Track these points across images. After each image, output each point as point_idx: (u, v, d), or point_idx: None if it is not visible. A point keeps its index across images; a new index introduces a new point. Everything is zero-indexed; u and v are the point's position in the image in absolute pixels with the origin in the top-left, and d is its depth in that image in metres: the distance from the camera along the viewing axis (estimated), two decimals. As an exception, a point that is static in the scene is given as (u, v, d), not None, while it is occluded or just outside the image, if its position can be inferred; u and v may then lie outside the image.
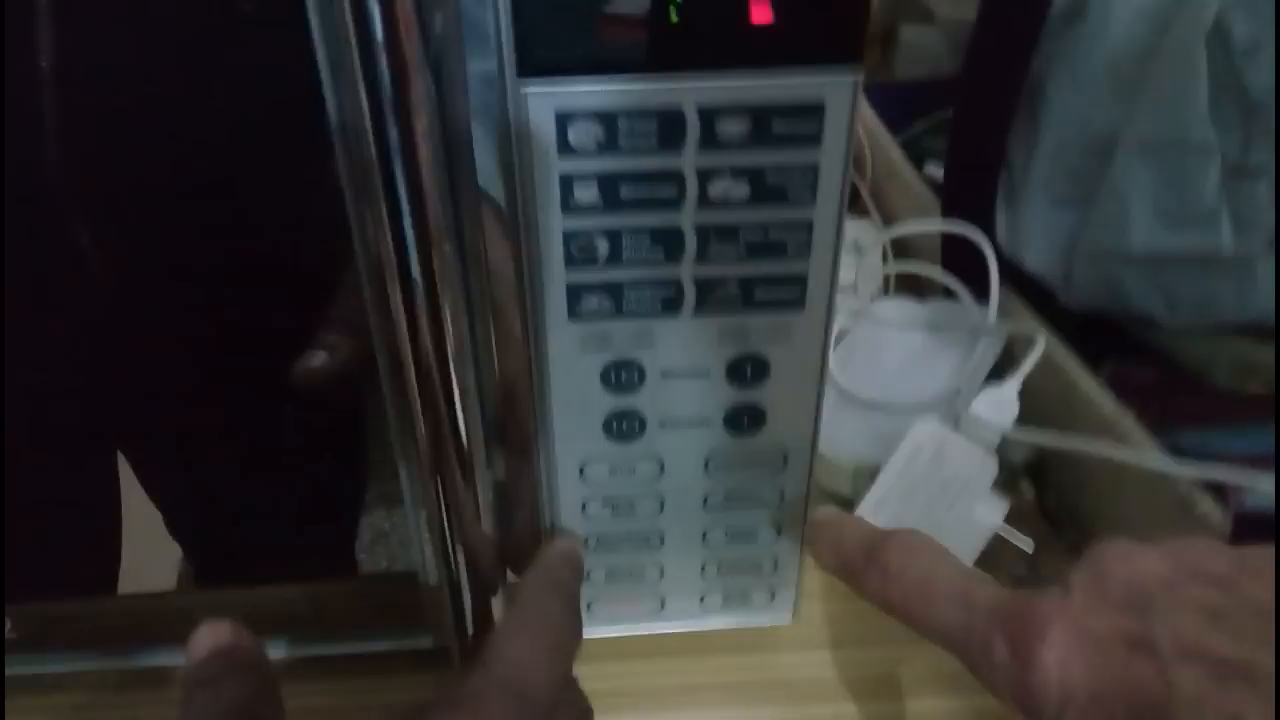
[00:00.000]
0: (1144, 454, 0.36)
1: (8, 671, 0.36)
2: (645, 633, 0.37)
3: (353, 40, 0.22)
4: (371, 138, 0.23)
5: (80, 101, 0.26)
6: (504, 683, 0.25)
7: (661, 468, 0.33)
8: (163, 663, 0.37)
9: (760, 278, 0.29)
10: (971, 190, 0.47)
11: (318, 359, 0.29)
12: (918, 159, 0.64)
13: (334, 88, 0.24)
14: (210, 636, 0.27)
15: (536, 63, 0.25)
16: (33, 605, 0.35)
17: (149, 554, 0.37)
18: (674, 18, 0.24)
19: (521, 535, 0.34)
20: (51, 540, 0.36)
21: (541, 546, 0.33)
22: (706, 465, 0.33)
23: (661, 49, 0.25)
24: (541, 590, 0.30)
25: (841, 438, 0.46)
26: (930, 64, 0.71)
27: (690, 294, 0.29)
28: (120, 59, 0.26)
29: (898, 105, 0.69)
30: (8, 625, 0.35)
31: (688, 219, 0.28)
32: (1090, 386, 0.41)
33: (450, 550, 0.31)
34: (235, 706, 0.25)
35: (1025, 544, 0.42)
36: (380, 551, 0.36)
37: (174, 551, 0.37)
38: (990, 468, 0.40)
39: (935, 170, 0.62)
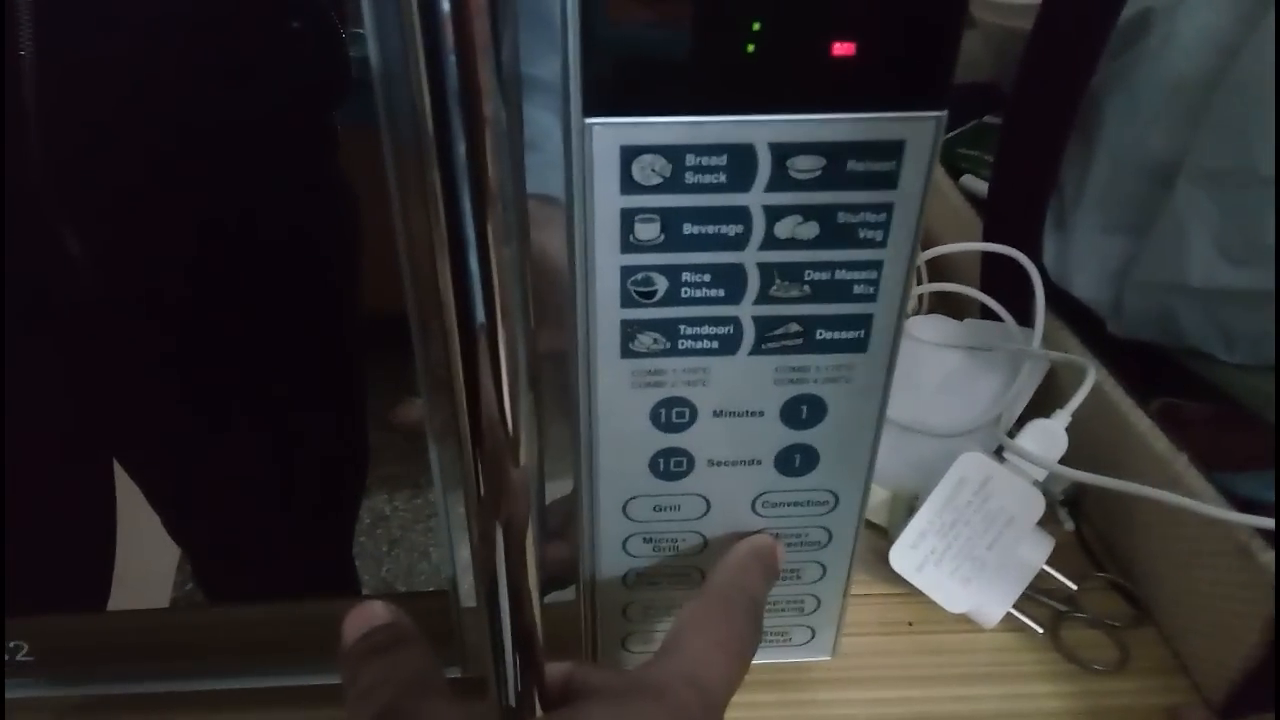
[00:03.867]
0: (1201, 502, 0.35)
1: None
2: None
3: (421, 53, 0.20)
4: (437, 164, 0.22)
5: (63, 97, 0.25)
6: (690, 678, 0.26)
7: (708, 506, 0.32)
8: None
9: (823, 318, 0.28)
10: (1018, 212, 0.46)
11: (416, 410, 0.28)
12: (953, 169, 0.63)
13: (386, 98, 0.23)
14: (366, 614, 0.27)
15: (605, 100, 0.23)
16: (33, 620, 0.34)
17: (143, 564, 0.36)
18: (750, 51, 0.23)
19: (560, 558, 0.32)
20: (46, 551, 0.35)
21: (736, 545, 0.32)
22: (754, 505, 0.32)
23: (735, 86, 0.23)
24: (732, 590, 0.30)
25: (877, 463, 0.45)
26: (967, 69, 0.69)
27: (749, 333, 0.28)
28: (106, 52, 0.24)
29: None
30: (25, 649, 0.34)
31: (752, 258, 0.26)
32: (1142, 422, 0.40)
33: (496, 572, 0.30)
34: (412, 672, 0.26)
35: (1067, 584, 0.41)
36: (381, 535, 0.35)
37: (169, 555, 0.36)
38: (1038, 504, 0.39)
39: (972, 183, 0.60)
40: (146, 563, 0.36)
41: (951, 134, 0.67)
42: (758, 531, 0.32)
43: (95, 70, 0.25)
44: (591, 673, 0.27)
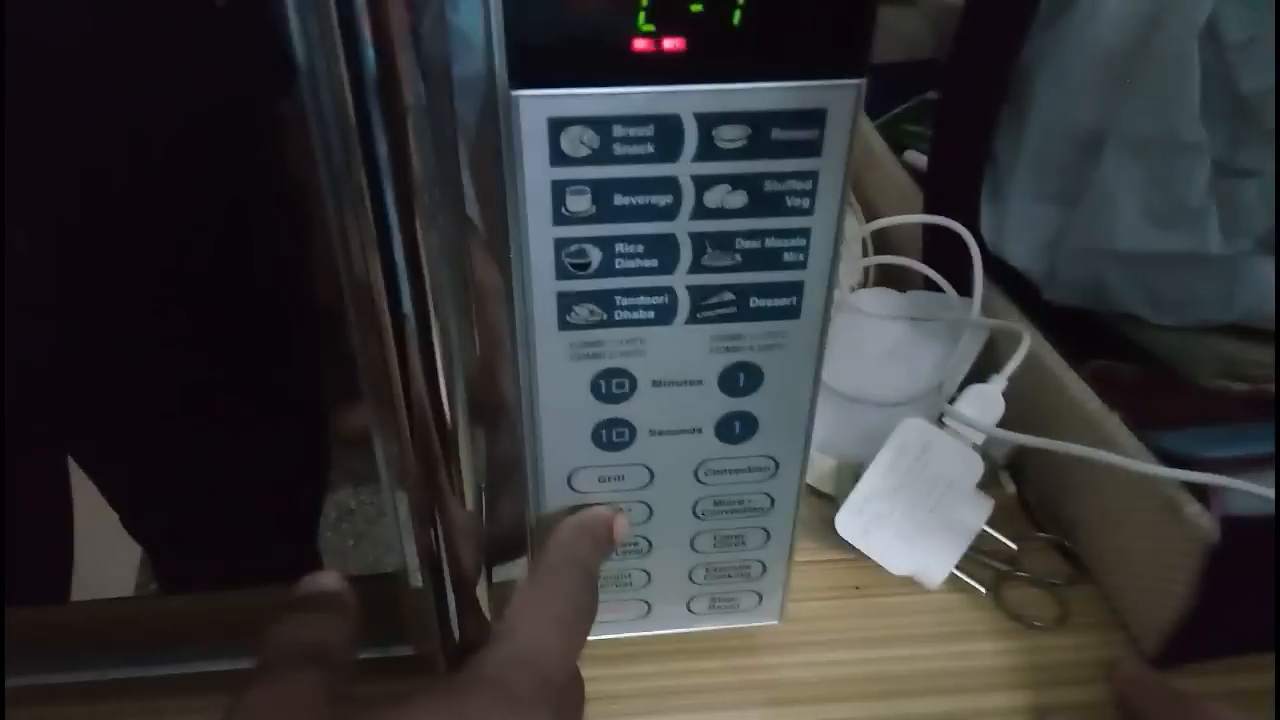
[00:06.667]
0: (1130, 459, 0.36)
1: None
2: (630, 636, 0.37)
3: (339, 47, 0.21)
4: (359, 147, 0.22)
5: (8, 90, 0.25)
6: (524, 661, 0.26)
7: (651, 476, 0.32)
8: (128, 674, 0.36)
9: (756, 286, 0.28)
10: (955, 184, 0.47)
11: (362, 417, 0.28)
12: (896, 145, 0.64)
13: (311, 90, 0.23)
14: (316, 579, 0.29)
15: (530, 71, 0.23)
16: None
17: (104, 558, 0.36)
18: (673, 26, 0.23)
19: (505, 530, 0.33)
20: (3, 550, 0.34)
21: (567, 518, 0.32)
22: (696, 473, 0.32)
23: (659, 58, 0.24)
24: (561, 565, 0.30)
25: (823, 433, 0.46)
26: (909, 47, 0.70)
27: (684, 303, 0.28)
28: (55, 44, 0.24)
29: (876, 88, 0.68)
30: None
31: (683, 228, 0.27)
32: (1075, 385, 0.41)
33: (437, 552, 0.30)
34: (314, 639, 0.27)
35: (1008, 544, 0.42)
36: (346, 530, 0.35)
37: (130, 555, 0.36)
38: (976, 467, 0.40)
39: (914, 158, 0.61)
40: (107, 561, 0.36)
41: (895, 111, 0.68)
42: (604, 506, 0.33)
43: (26, 64, 0.24)
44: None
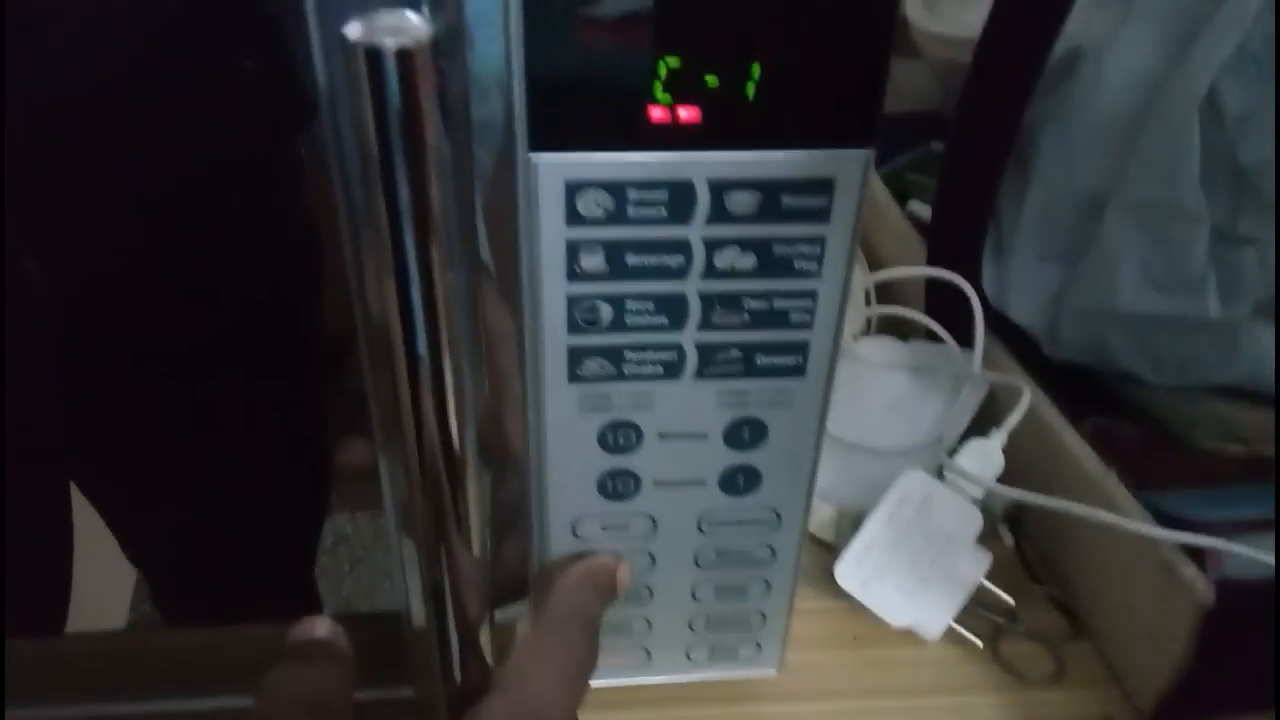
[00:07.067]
0: (1127, 519, 0.36)
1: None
2: (629, 682, 0.37)
3: (365, 84, 0.21)
4: (383, 197, 0.23)
5: (19, 116, 0.25)
6: (527, 713, 0.27)
7: (654, 525, 0.33)
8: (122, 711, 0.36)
9: (763, 344, 0.29)
10: (959, 239, 0.48)
11: (361, 452, 0.29)
12: (900, 195, 0.65)
13: (337, 145, 0.24)
14: (308, 625, 0.29)
15: (549, 136, 0.24)
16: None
17: (98, 584, 0.36)
18: (688, 97, 0.24)
19: (507, 573, 0.33)
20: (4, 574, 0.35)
21: (570, 566, 0.32)
22: (699, 524, 0.33)
23: (674, 126, 0.25)
24: (564, 615, 0.30)
25: (823, 481, 0.46)
26: (914, 99, 0.71)
27: (692, 359, 0.29)
28: (66, 90, 0.25)
29: (880, 138, 0.70)
30: None
31: (693, 287, 0.28)
32: (1074, 443, 0.41)
33: (443, 595, 0.31)
34: (309, 690, 0.27)
35: (1005, 598, 0.43)
36: (343, 555, 0.35)
37: (125, 582, 0.36)
38: (976, 522, 0.41)
39: (918, 208, 0.62)
40: (102, 583, 0.36)
41: (899, 161, 0.69)
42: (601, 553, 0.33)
43: (57, 108, 0.25)
44: None
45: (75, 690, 0.36)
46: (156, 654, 0.37)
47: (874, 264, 0.59)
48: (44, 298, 0.28)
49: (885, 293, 0.57)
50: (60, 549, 0.34)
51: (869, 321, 0.57)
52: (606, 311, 0.28)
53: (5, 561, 0.34)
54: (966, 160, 0.47)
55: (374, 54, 0.19)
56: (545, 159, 0.25)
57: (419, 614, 0.33)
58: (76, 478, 0.33)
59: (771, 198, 0.26)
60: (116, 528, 0.35)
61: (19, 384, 0.30)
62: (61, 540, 0.34)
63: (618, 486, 0.31)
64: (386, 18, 0.19)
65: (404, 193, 0.22)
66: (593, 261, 0.27)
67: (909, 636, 0.42)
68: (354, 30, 0.19)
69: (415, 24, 0.19)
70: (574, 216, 0.26)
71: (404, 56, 0.19)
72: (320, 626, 0.29)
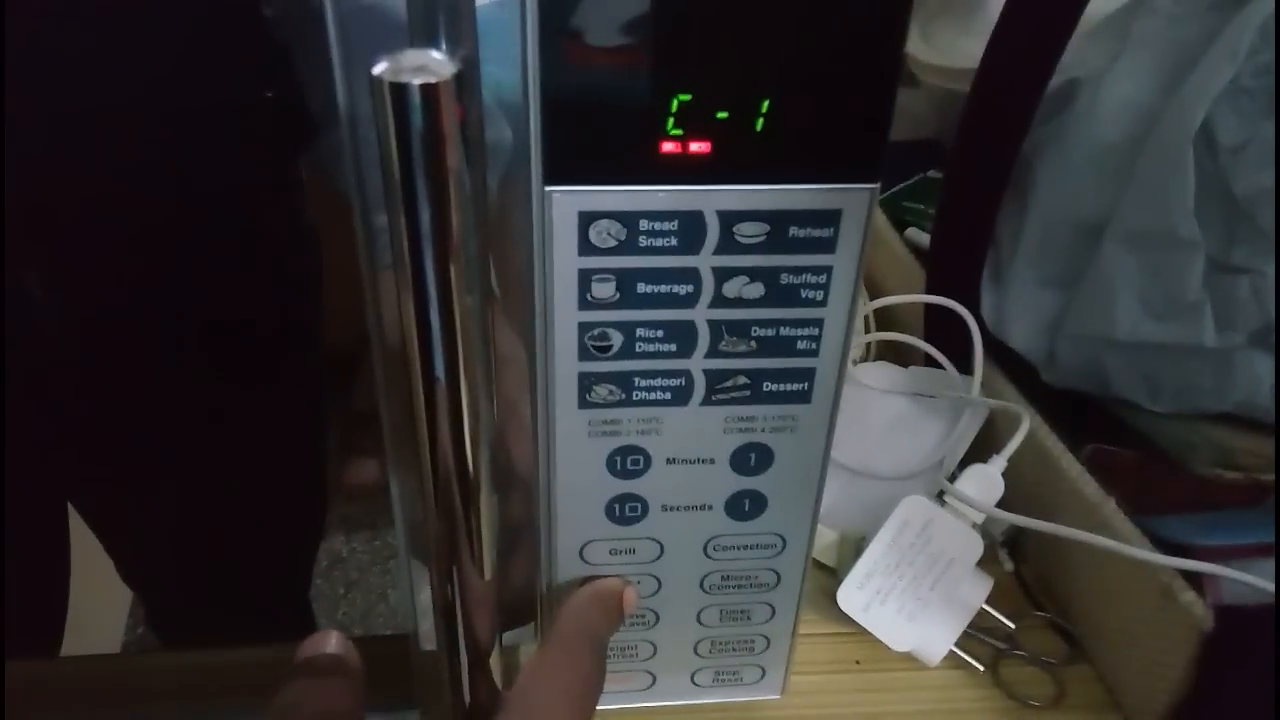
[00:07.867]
0: (1126, 544, 0.37)
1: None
2: (634, 706, 0.37)
3: (393, 132, 0.21)
4: (405, 222, 0.23)
5: (38, 150, 0.26)
6: None
7: (661, 550, 0.33)
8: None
9: (769, 371, 0.29)
10: (957, 265, 0.48)
11: (366, 472, 0.29)
12: (898, 222, 0.66)
13: (356, 172, 0.24)
14: (319, 640, 0.29)
15: (564, 171, 0.25)
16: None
17: (93, 606, 0.36)
18: (699, 131, 0.25)
19: (514, 595, 0.33)
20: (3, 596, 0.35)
21: (578, 589, 0.33)
22: (705, 548, 0.33)
23: (685, 160, 0.25)
24: (572, 637, 0.31)
25: (825, 505, 0.46)
26: (912, 126, 0.72)
27: (700, 385, 0.29)
28: (82, 113, 0.25)
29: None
30: None
31: (701, 315, 0.28)
32: (1073, 467, 0.42)
33: (454, 617, 0.31)
34: (324, 706, 0.27)
35: (1006, 623, 0.43)
36: (338, 577, 0.35)
37: (120, 604, 0.36)
38: (977, 546, 0.41)
39: (916, 235, 0.63)
40: (97, 607, 0.36)
41: (897, 188, 0.70)
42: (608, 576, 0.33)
43: (72, 130, 0.26)
44: None
45: (71, 713, 0.36)
46: (152, 676, 0.37)
47: (873, 290, 0.59)
48: (48, 323, 0.29)
49: (884, 318, 0.58)
50: (57, 572, 0.35)
51: (868, 347, 0.57)
52: (617, 338, 0.28)
53: (3, 585, 0.34)
54: (965, 188, 0.47)
55: (400, 90, 0.20)
56: (560, 191, 0.25)
57: (428, 636, 0.33)
58: (74, 500, 0.34)
59: (779, 229, 0.27)
60: (113, 549, 0.35)
61: (18, 402, 0.31)
62: (58, 563, 0.34)
63: (625, 511, 0.32)
64: (412, 56, 0.20)
65: (425, 218, 0.23)
66: (604, 290, 0.27)
67: (910, 660, 0.42)
68: (381, 68, 0.19)
69: (439, 61, 0.20)
70: (586, 246, 0.26)
71: (429, 92, 0.20)
72: (331, 641, 0.29)
